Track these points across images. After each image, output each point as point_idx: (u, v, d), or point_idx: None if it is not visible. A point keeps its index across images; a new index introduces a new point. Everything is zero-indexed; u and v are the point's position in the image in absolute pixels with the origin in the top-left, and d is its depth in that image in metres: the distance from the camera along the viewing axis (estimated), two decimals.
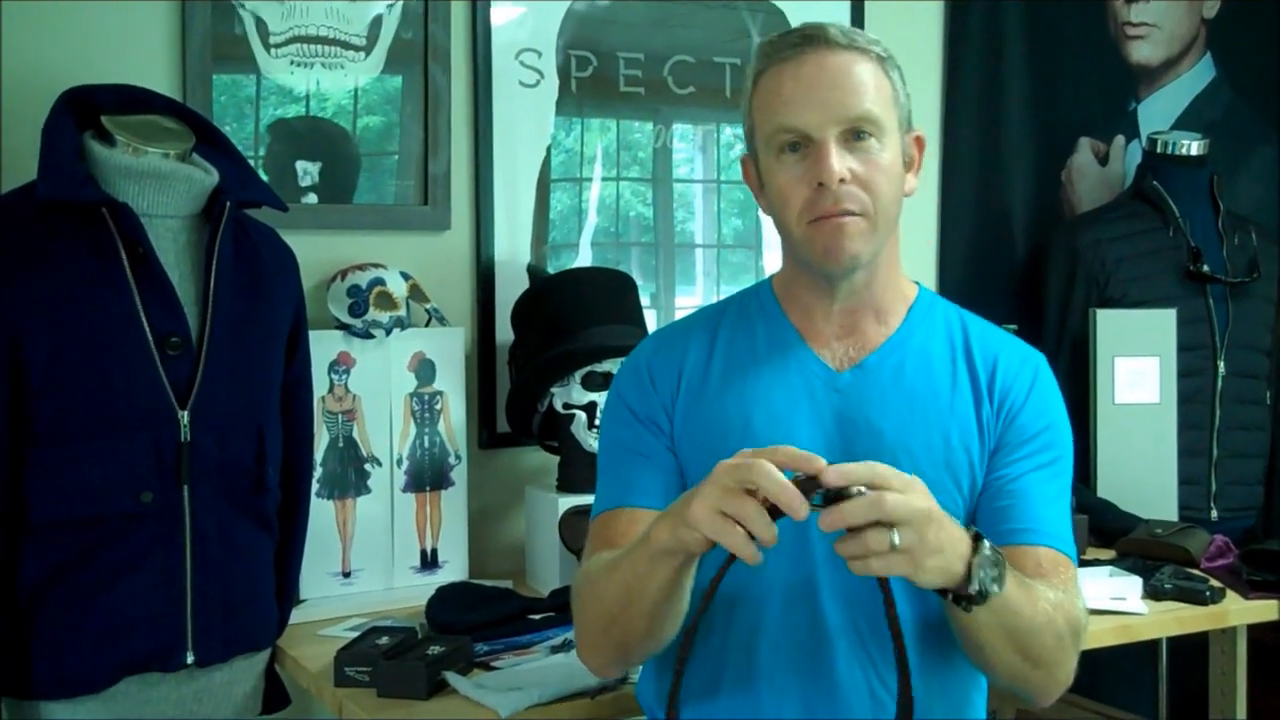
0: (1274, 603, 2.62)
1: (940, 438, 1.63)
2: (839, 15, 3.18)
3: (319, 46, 2.64)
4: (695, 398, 1.68)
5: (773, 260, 3.09)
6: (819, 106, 1.57)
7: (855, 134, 1.58)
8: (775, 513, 1.33)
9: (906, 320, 1.70)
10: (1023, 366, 1.69)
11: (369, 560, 2.56)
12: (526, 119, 2.85)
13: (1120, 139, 3.63)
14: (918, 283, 1.76)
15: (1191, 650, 3.07)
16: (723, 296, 1.84)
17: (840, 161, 1.56)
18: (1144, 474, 3.06)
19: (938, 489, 1.58)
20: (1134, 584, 2.52)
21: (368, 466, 2.56)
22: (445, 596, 2.34)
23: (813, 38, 1.60)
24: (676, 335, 1.77)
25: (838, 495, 1.32)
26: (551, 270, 2.85)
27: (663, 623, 1.55)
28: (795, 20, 3.11)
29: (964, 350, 1.69)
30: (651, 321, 2.89)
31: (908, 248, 3.25)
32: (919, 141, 1.70)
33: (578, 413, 2.56)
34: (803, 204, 1.59)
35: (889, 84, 1.62)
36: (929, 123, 3.35)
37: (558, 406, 2.58)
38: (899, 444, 1.61)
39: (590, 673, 1.77)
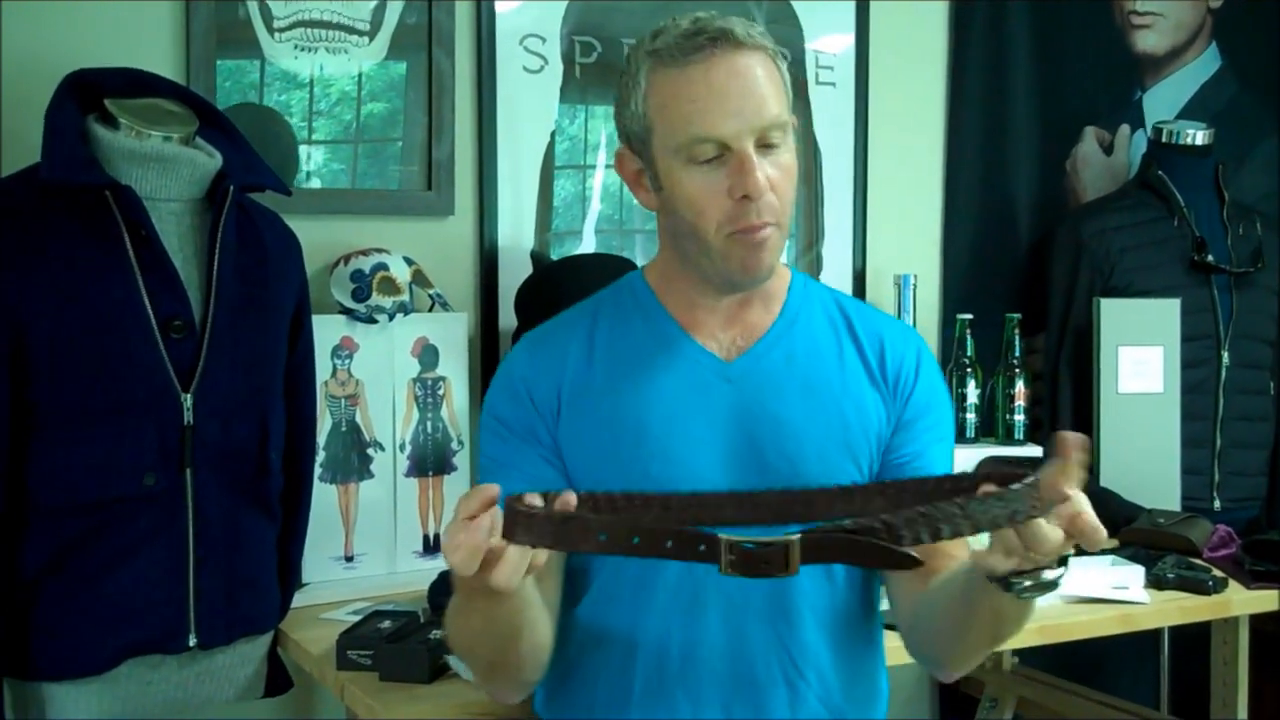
0: (1276, 593, 2.62)
1: (838, 418, 1.63)
2: (844, 3, 3.18)
3: (323, 31, 2.63)
4: (580, 405, 1.63)
5: None
6: (736, 115, 1.52)
7: (767, 140, 1.54)
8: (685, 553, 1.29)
9: (786, 304, 1.68)
10: (907, 345, 1.70)
11: (371, 544, 2.56)
12: (530, 105, 2.85)
13: (1125, 128, 3.62)
14: (788, 265, 1.74)
15: (1193, 640, 3.08)
16: None
17: (761, 172, 1.53)
18: (1147, 463, 3.06)
19: (838, 471, 1.59)
20: (1136, 573, 2.52)
21: (370, 451, 2.56)
22: (448, 581, 2.33)
23: (719, 38, 1.54)
24: (549, 341, 1.71)
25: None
26: (555, 256, 2.85)
27: (531, 645, 1.53)
28: (801, 9, 3.11)
29: (847, 330, 1.69)
30: None
31: (912, 237, 3.28)
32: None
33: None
34: (723, 216, 1.54)
35: (781, 78, 1.58)
36: (934, 111, 3.35)
37: None
38: (799, 429, 1.60)
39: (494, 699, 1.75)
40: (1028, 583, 1.37)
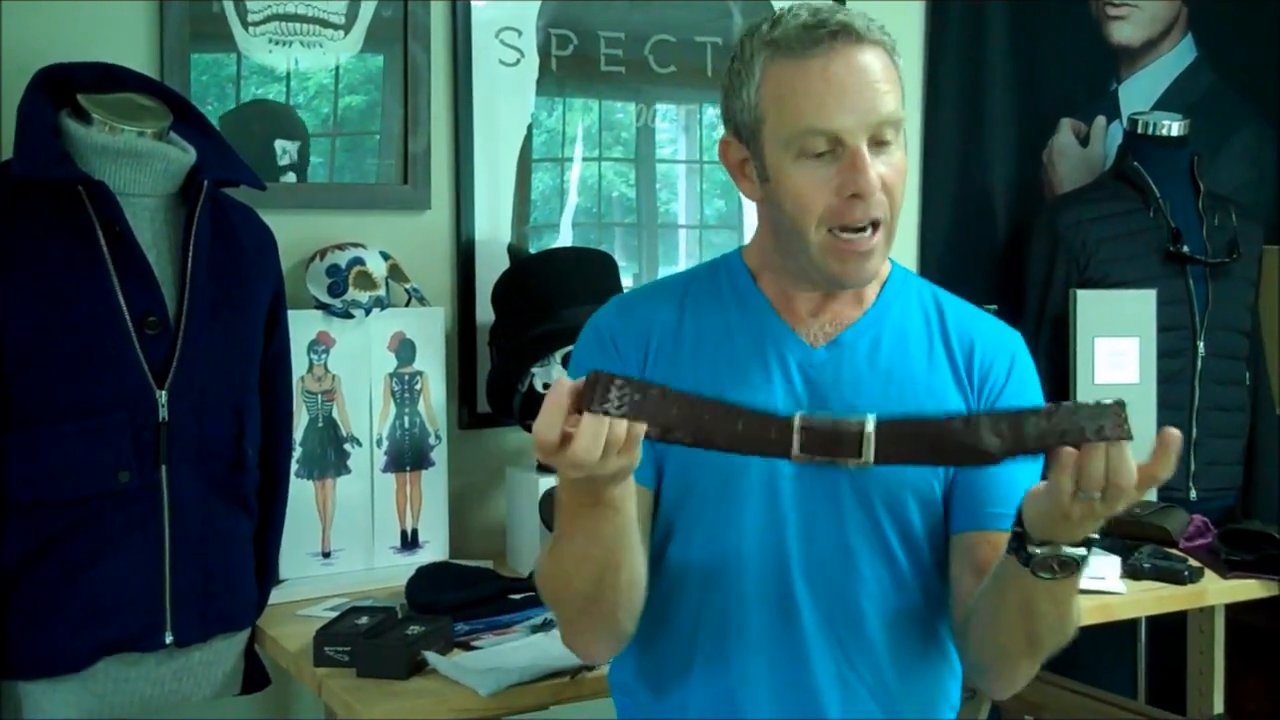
0: (1252, 582, 2.64)
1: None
2: None
3: (298, 25, 2.62)
4: (662, 371, 1.63)
5: None
6: (852, 111, 1.51)
7: (880, 137, 1.53)
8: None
9: (881, 296, 1.67)
10: (1001, 348, 1.67)
11: (349, 540, 2.55)
12: (507, 98, 2.84)
13: (1101, 120, 3.63)
14: (890, 258, 1.71)
15: (1170, 629, 3.09)
16: None
17: (874, 170, 1.52)
18: None
19: (910, 468, 1.58)
20: (1113, 563, 2.53)
21: (347, 446, 2.55)
22: (425, 576, 2.34)
23: (839, 32, 1.53)
24: (640, 302, 1.72)
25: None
26: (532, 250, 2.84)
27: (629, 579, 1.52)
28: (779, 3, 3.11)
29: (940, 328, 1.67)
30: None
31: None
32: None
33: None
34: (826, 210, 1.53)
35: (897, 74, 1.57)
36: (910, 103, 3.31)
37: (538, 387, 2.58)
38: None
39: (581, 659, 1.75)
40: (1046, 552, 1.38)
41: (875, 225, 1.55)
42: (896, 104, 1.55)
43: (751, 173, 1.61)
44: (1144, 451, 1.33)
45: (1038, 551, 1.39)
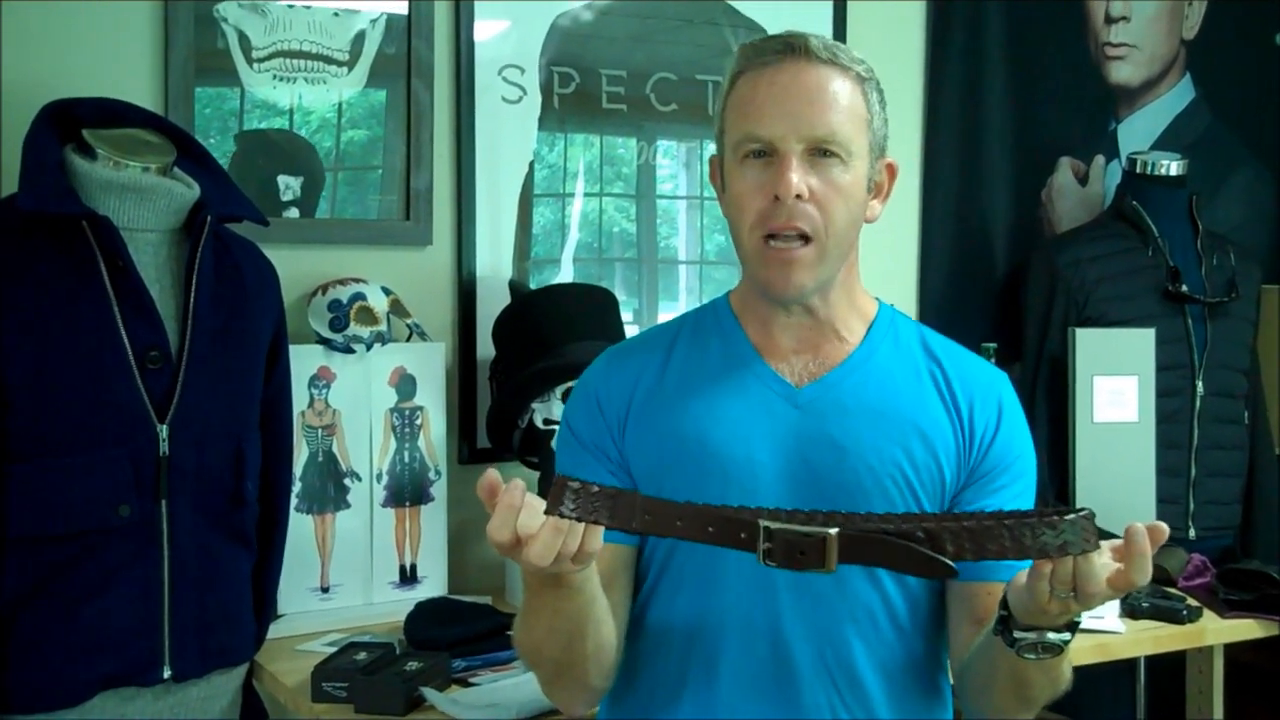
0: (1251, 622, 2.64)
1: (905, 457, 1.60)
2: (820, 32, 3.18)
3: (302, 61, 2.64)
4: (647, 417, 1.64)
5: None
6: (787, 118, 1.55)
7: (820, 152, 1.55)
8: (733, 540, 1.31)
9: (868, 337, 1.67)
10: (990, 391, 1.67)
11: (348, 575, 2.55)
12: (509, 135, 2.86)
13: (1100, 159, 3.65)
14: (877, 299, 1.73)
15: (1169, 669, 3.08)
16: None
17: (800, 176, 1.54)
18: (1122, 493, 3.07)
19: (901, 509, 1.57)
20: (1111, 603, 2.52)
21: (347, 481, 2.56)
22: (424, 612, 2.34)
23: (794, 47, 1.57)
24: (628, 354, 1.73)
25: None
26: (533, 286, 2.85)
27: (596, 646, 1.53)
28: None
29: (928, 369, 1.66)
30: None
31: (888, 266, 3.30)
32: (890, 169, 1.65)
33: (558, 429, 2.56)
34: (757, 215, 1.56)
35: (864, 105, 1.59)
36: (910, 142, 3.37)
37: (538, 422, 2.58)
38: (861, 462, 1.58)
39: (560, 710, 1.74)
40: (1031, 638, 1.39)
41: (805, 239, 1.56)
42: (843, 125, 1.56)
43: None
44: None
45: (1024, 636, 1.41)
